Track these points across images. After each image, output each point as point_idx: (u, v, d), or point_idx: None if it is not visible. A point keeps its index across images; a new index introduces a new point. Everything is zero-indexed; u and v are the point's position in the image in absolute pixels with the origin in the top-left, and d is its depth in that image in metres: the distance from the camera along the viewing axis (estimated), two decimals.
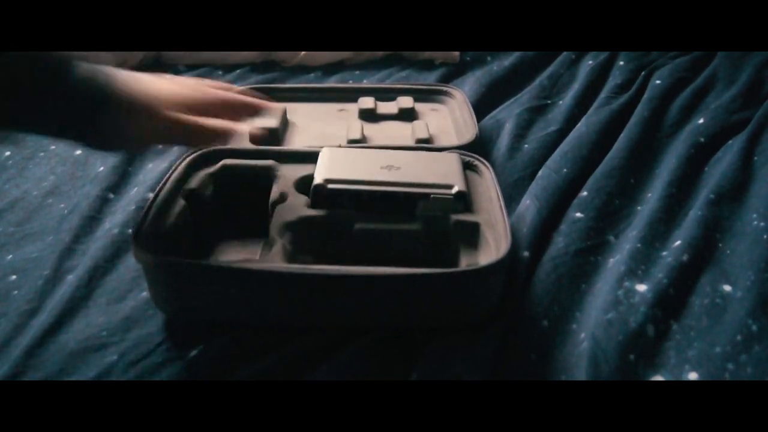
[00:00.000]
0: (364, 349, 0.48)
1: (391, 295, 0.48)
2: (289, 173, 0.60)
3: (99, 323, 0.51)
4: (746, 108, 0.80)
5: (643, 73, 0.90)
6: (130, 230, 0.59)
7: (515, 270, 0.55)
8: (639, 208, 0.64)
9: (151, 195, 0.55)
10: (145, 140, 0.52)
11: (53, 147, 0.78)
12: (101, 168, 0.72)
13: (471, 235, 0.54)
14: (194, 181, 0.59)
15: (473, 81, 0.90)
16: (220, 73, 0.98)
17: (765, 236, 0.57)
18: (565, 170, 0.67)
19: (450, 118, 0.79)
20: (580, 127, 0.77)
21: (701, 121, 0.77)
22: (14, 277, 0.56)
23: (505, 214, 0.53)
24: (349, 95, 0.83)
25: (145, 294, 0.53)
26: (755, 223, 0.59)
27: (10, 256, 0.59)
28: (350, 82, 0.95)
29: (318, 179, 0.57)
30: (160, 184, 0.56)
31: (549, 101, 0.85)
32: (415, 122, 0.75)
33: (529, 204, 0.62)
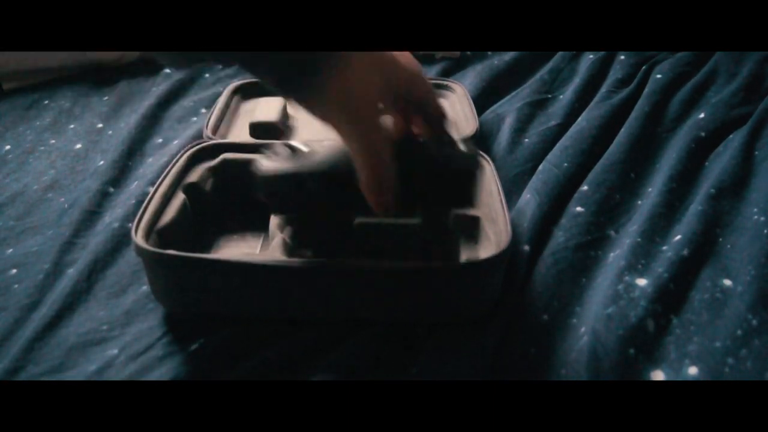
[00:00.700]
0: (364, 343, 0.48)
1: (390, 289, 0.48)
2: None
3: (99, 317, 0.51)
4: (747, 103, 0.80)
5: (643, 67, 0.89)
6: (131, 224, 0.59)
7: (515, 264, 0.55)
8: (639, 202, 0.64)
9: (151, 189, 0.55)
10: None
11: (53, 141, 0.78)
12: (101, 162, 0.72)
13: (471, 230, 0.54)
14: (194, 175, 0.59)
15: (474, 75, 0.90)
16: (220, 67, 0.98)
17: (765, 231, 0.57)
18: (565, 164, 0.67)
19: (450, 112, 0.78)
20: (581, 121, 0.76)
21: (702, 115, 0.77)
22: (14, 270, 0.56)
23: (505, 208, 0.53)
24: None
25: (146, 288, 0.53)
26: (756, 217, 0.59)
27: (11, 249, 0.59)
28: None
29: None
30: (161, 178, 0.56)
31: (549, 95, 0.85)
32: None
33: (529, 198, 0.62)
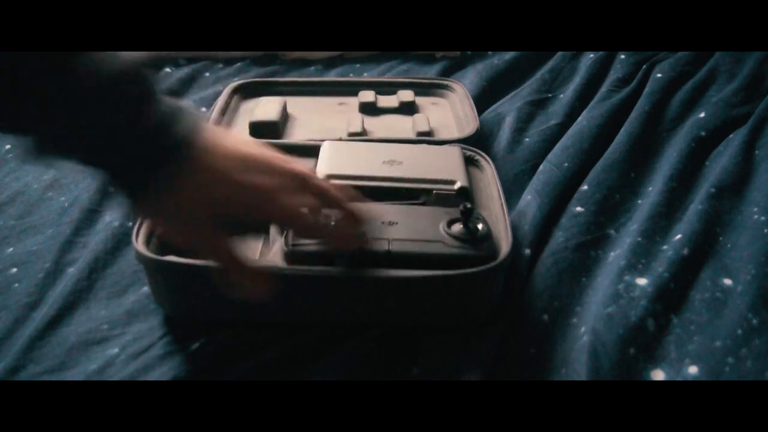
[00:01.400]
0: (365, 344, 0.48)
1: (390, 296, 0.48)
2: None
3: (100, 316, 0.51)
4: (747, 102, 0.80)
5: (644, 66, 0.89)
6: (131, 223, 0.59)
7: (516, 266, 0.55)
8: (640, 201, 0.64)
9: None
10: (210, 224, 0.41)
11: None
12: None
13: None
14: None
15: (474, 74, 0.90)
16: (221, 66, 0.98)
17: (766, 230, 0.57)
18: (566, 164, 0.67)
19: (451, 112, 0.79)
20: (581, 120, 0.76)
21: (702, 114, 0.77)
22: (15, 270, 0.56)
23: (506, 211, 0.53)
24: (349, 89, 0.83)
25: (146, 288, 0.53)
26: (756, 216, 0.59)
27: (11, 249, 0.59)
28: (350, 75, 0.95)
29: (320, 175, 0.57)
30: None
31: (550, 95, 0.85)
32: (416, 116, 0.75)
33: (530, 200, 0.62)
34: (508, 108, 0.81)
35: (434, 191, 0.56)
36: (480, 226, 0.50)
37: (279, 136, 0.71)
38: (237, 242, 0.46)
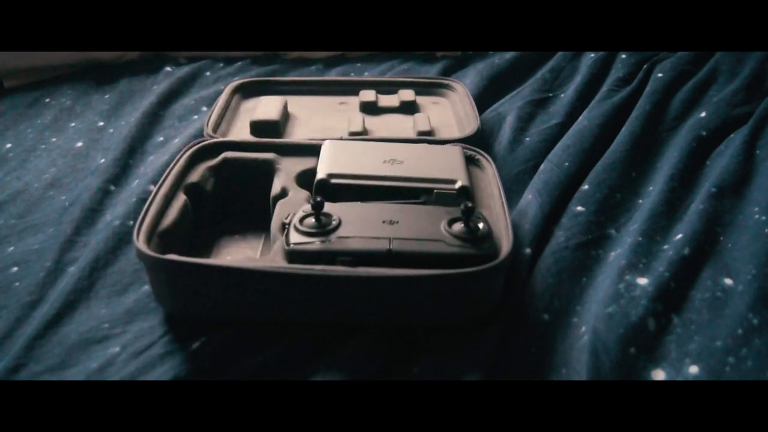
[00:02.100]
0: (365, 344, 0.48)
1: (391, 295, 0.48)
2: (290, 167, 0.60)
3: (101, 315, 0.51)
4: (748, 102, 0.80)
5: (644, 66, 0.89)
6: (132, 222, 0.59)
7: (517, 265, 0.55)
8: (640, 201, 0.64)
9: (152, 187, 0.55)
10: None
11: (54, 139, 0.78)
12: (102, 160, 0.72)
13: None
14: (195, 175, 0.59)
15: (475, 74, 0.90)
16: (221, 65, 0.98)
17: (766, 230, 0.57)
18: (566, 164, 0.67)
19: (451, 111, 0.79)
20: (582, 120, 0.76)
21: (703, 114, 0.77)
22: (15, 268, 0.56)
23: (506, 211, 0.53)
24: (350, 88, 0.83)
25: (147, 287, 0.53)
26: (756, 216, 0.59)
27: (12, 248, 0.59)
28: (351, 74, 0.95)
29: (321, 174, 0.57)
30: (162, 179, 0.56)
31: (551, 94, 0.85)
32: (417, 115, 0.75)
33: (531, 199, 0.62)
34: (509, 107, 0.81)
35: (435, 190, 0.56)
36: (481, 226, 0.50)
37: (280, 135, 0.71)
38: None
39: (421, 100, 0.81)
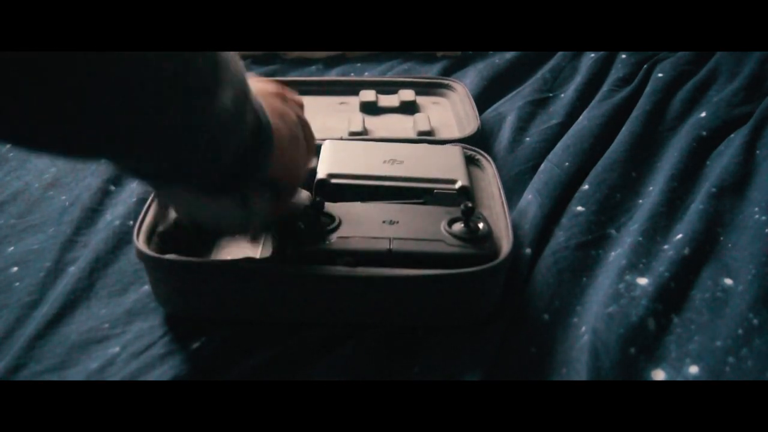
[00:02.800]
0: (365, 343, 0.48)
1: (391, 295, 0.48)
2: None
3: (101, 315, 0.51)
4: (748, 101, 0.80)
5: (645, 66, 0.89)
6: (132, 222, 0.59)
7: (517, 265, 0.55)
8: (640, 201, 0.64)
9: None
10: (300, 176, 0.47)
11: None
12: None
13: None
14: None
15: (475, 74, 0.90)
16: None
17: (766, 230, 0.57)
18: (566, 164, 0.67)
19: (451, 111, 0.79)
20: (582, 120, 0.76)
21: (703, 114, 0.77)
22: (15, 268, 0.56)
23: (506, 211, 0.53)
24: (350, 88, 0.83)
25: (147, 287, 0.53)
26: (757, 216, 0.59)
27: (12, 248, 0.59)
28: (351, 74, 0.95)
29: (321, 174, 0.57)
30: None
31: (551, 94, 0.85)
32: (417, 115, 0.75)
33: (531, 199, 0.62)
34: (509, 107, 0.81)
35: (435, 190, 0.56)
36: (481, 226, 0.50)
37: None
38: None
39: (421, 99, 0.81)
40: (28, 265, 0.57)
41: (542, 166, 0.68)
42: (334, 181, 0.57)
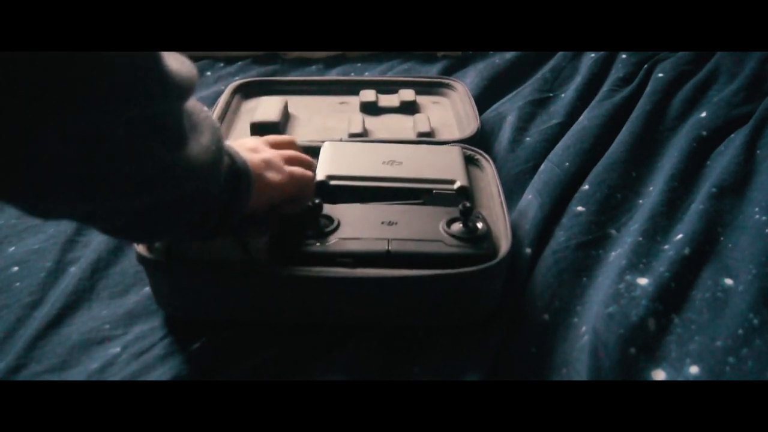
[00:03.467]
0: (366, 343, 0.48)
1: (390, 296, 0.48)
2: None
3: (102, 316, 0.51)
4: (749, 102, 0.80)
5: (645, 66, 0.89)
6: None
7: (517, 265, 0.55)
8: (641, 201, 0.64)
9: None
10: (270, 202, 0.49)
11: None
12: None
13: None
14: None
15: (475, 74, 0.90)
16: (222, 65, 0.98)
17: (767, 230, 0.57)
18: (567, 164, 0.67)
19: (452, 111, 0.79)
20: (582, 120, 0.76)
21: (703, 114, 0.77)
22: (16, 268, 0.56)
23: (505, 211, 0.53)
24: (350, 88, 0.83)
25: (148, 288, 0.53)
26: (757, 216, 0.59)
27: (12, 247, 0.59)
28: (351, 74, 0.95)
29: (320, 176, 0.57)
30: None
31: (551, 94, 0.85)
32: (417, 115, 0.75)
33: (531, 199, 0.62)
34: (510, 107, 0.81)
35: (434, 191, 0.56)
36: (480, 225, 0.50)
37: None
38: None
39: (422, 99, 0.81)
40: (29, 265, 0.57)
41: (542, 166, 0.68)
42: (333, 182, 0.57)
